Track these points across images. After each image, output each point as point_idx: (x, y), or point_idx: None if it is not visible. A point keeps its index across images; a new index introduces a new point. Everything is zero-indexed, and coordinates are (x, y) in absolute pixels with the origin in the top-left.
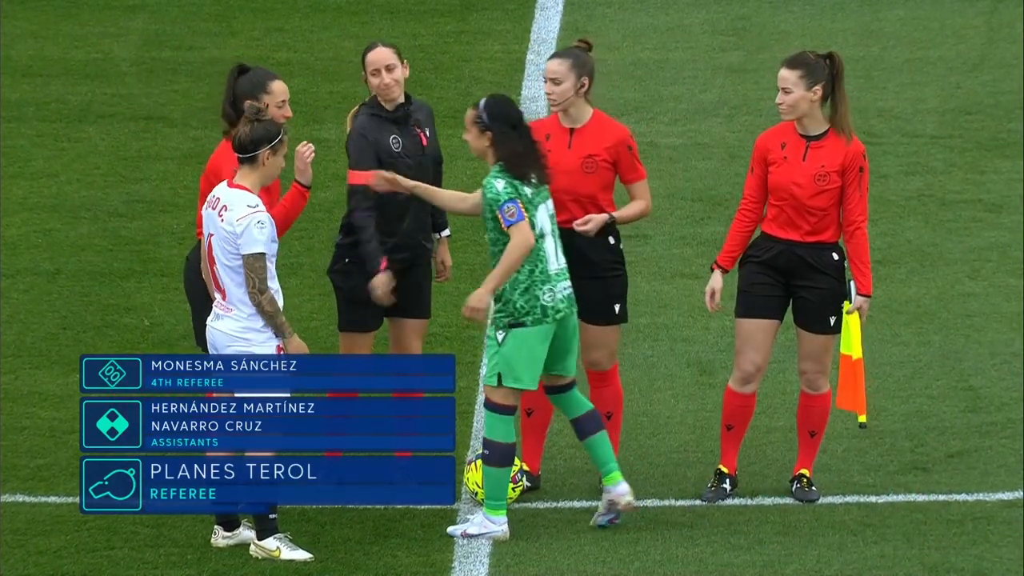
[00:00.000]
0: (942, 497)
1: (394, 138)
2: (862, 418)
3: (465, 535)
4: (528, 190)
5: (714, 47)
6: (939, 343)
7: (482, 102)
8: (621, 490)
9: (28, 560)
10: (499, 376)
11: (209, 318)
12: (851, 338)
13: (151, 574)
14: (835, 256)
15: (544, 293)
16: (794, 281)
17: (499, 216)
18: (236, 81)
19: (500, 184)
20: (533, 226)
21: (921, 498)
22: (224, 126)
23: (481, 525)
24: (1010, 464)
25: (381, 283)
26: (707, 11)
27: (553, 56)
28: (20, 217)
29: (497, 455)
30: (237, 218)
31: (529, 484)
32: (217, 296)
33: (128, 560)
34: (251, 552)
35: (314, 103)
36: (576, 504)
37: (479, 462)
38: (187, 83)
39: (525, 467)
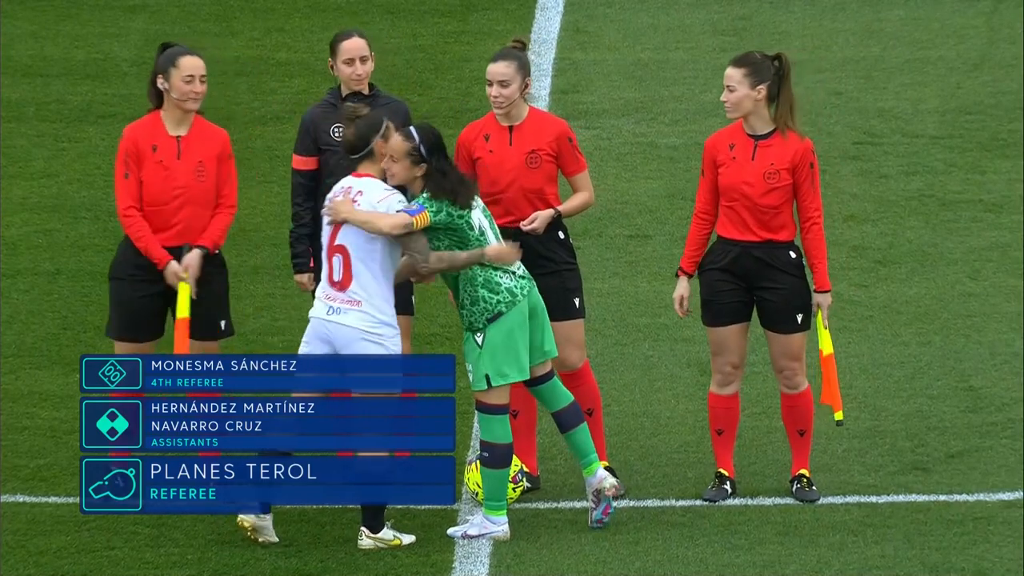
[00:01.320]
0: (943, 497)
1: (337, 126)
2: (838, 415)
3: (466, 536)
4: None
5: (715, 47)
6: (939, 343)
7: (416, 135)
8: (600, 475)
9: (29, 560)
10: (487, 378)
11: (318, 311)
12: (819, 334)
13: (152, 574)
14: (792, 254)
15: (502, 277)
16: (755, 283)
17: (406, 209)
18: (157, 59)
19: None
20: (472, 227)
21: (922, 498)
22: (149, 105)
23: (481, 526)
24: (1010, 464)
25: (301, 285)
26: (708, 11)
27: (497, 59)
28: (20, 217)
29: (496, 456)
30: (378, 199)
31: (529, 484)
32: (330, 289)
33: (128, 560)
34: (364, 547)
35: (314, 103)
36: (577, 504)
37: (479, 462)
38: None
39: (525, 467)
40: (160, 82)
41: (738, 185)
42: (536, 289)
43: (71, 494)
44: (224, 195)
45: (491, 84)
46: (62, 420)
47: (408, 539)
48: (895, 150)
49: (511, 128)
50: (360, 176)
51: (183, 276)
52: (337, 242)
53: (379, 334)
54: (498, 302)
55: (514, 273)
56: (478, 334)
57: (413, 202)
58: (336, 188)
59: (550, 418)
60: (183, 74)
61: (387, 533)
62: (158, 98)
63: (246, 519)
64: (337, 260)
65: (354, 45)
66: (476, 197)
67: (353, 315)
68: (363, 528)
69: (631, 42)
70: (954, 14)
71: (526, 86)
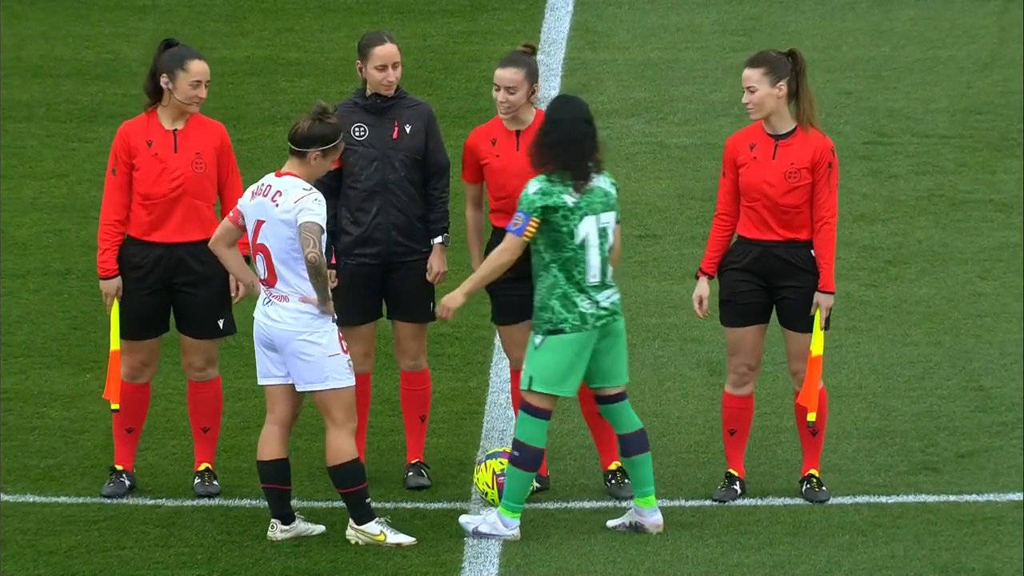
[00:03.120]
0: (952, 497)
1: (359, 126)
2: (811, 416)
3: (476, 533)
4: (569, 199)
5: (725, 47)
6: (949, 343)
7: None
8: (655, 520)
9: (39, 560)
10: (531, 379)
11: (259, 301)
12: (813, 334)
13: (161, 574)
14: (813, 254)
15: (582, 301)
16: (776, 283)
17: (512, 228)
18: (160, 55)
19: (533, 188)
20: (573, 235)
21: (931, 498)
22: (145, 99)
23: (493, 525)
24: (1020, 464)
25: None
26: (718, 11)
27: (506, 64)
28: (30, 217)
29: (525, 458)
30: (295, 200)
31: (539, 485)
32: (262, 287)
33: (138, 560)
34: (349, 538)
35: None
36: (586, 504)
37: (488, 462)
38: None
39: None
40: (164, 80)
41: (759, 185)
42: (622, 323)
43: (81, 494)
44: (230, 186)
45: (498, 88)
46: (72, 420)
47: (406, 539)
48: (905, 150)
49: (518, 133)
50: (283, 175)
51: (117, 297)
52: (259, 241)
53: (310, 330)
54: (564, 320)
55: (597, 302)
56: (538, 336)
57: (518, 213)
58: (258, 185)
59: (560, 418)
60: (191, 78)
61: (373, 527)
62: (156, 94)
63: (277, 537)
64: (260, 259)
65: (387, 51)
66: (600, 207)
67: (282, 310)
68: (350, 520)
69: (641, 42)
70: (964, 14)
71: (533, 91)
